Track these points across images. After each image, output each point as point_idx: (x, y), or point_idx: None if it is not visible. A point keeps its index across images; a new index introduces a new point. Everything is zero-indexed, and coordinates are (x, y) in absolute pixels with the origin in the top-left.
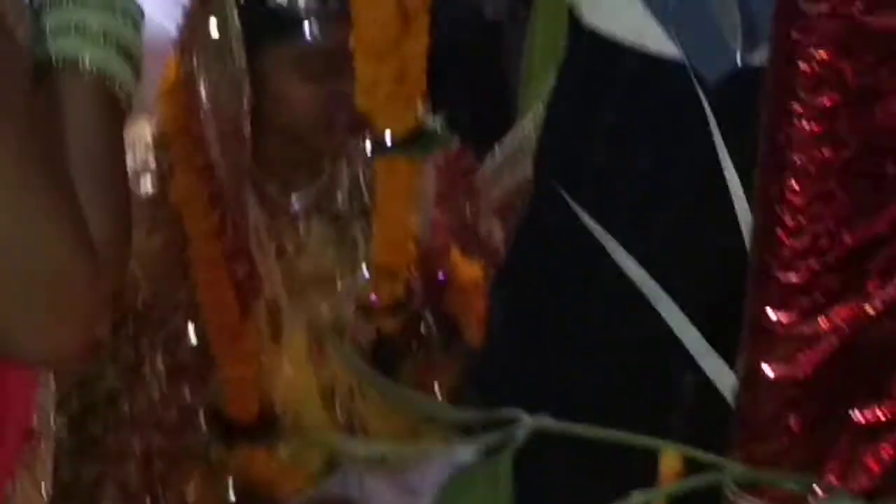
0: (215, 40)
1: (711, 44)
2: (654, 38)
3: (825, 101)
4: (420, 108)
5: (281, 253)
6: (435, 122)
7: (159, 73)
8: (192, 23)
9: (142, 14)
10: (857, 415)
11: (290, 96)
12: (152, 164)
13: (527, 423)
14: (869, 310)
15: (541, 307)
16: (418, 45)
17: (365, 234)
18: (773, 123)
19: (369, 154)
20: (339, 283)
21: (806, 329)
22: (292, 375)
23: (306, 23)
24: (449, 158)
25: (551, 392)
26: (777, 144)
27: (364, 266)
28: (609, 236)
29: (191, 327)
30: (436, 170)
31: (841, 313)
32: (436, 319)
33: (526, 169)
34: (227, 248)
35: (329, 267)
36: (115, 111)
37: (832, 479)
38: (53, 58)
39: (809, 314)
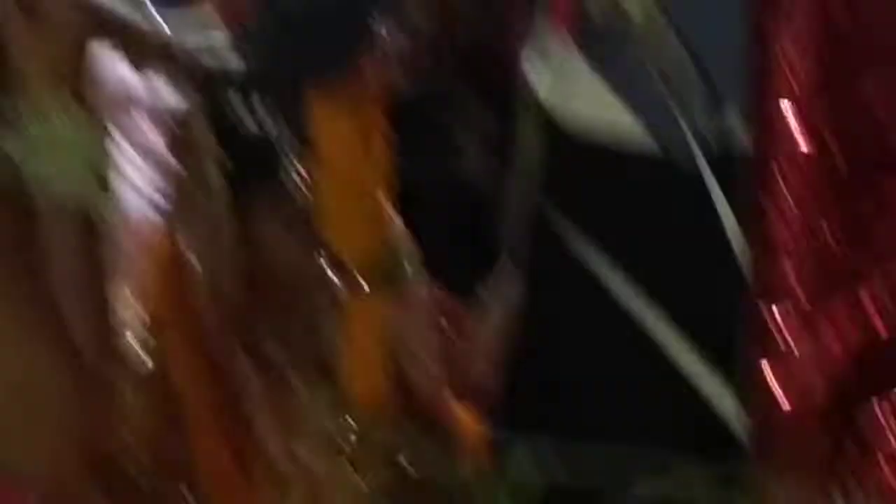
0: (203, 210)
1: (680, 131)
2: (630, 135)
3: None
4: (383, 237)
5: (277, 414)
6: (403, 254)
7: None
8: (178, 192)
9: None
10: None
11: (276, 243)
12: (148, 344)
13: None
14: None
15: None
16: (378, 166)
17: None
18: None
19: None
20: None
21: (806, 331)
22: None
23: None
24: (444, 308)
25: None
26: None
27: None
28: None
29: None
30: (428, 323)
31: (837, 316)
32: None
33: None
34: (227, 419)
35: (328, 432)
36: (96, 237)
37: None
38: (33, 180)
39: (806, 312)
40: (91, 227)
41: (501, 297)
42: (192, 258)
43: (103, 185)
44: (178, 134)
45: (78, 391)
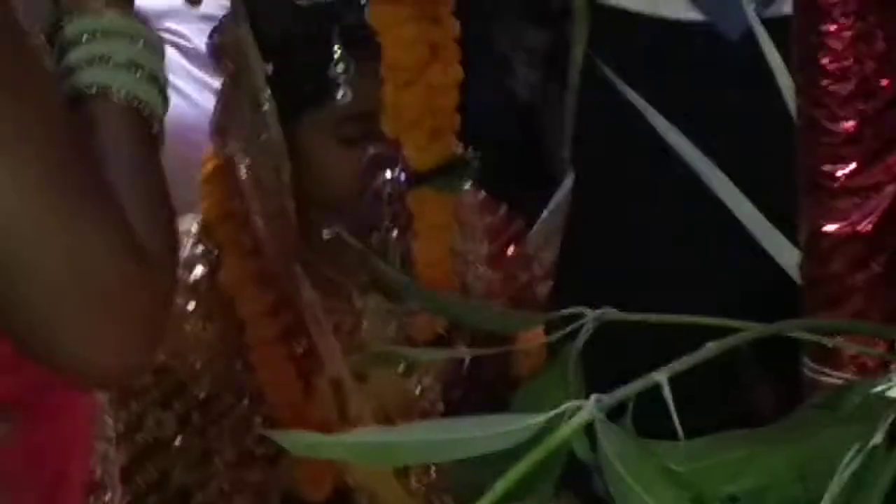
0: (250, 119)
1: (729, 3)
2: (669, 5)
3: None
4: (450, 141)
5: (339, 329)
6: (468, 157)
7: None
8: (226, 105)
9: (163, 44)
10: None
11: (329, 164)
12: (200, 253)
13: (590, 316)
14: None
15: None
16: (446, 76)
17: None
18: None
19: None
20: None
21: (863, 180)
22: None
23: (339, 88)
24: (497, 222)
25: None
26: None
27: None
28: (660, 117)
29: (257, 412)
30: (485, 233)
31: (894, 159)
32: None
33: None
34: (283, 328)
35: (390, 341)
36: (148, 135)
37: None
38: (82, 88)
39: (865, 164)
40: (146, 124)
41: (556, 210)
42: (243, 169)
43: (156, 85)
44: (226, 43)
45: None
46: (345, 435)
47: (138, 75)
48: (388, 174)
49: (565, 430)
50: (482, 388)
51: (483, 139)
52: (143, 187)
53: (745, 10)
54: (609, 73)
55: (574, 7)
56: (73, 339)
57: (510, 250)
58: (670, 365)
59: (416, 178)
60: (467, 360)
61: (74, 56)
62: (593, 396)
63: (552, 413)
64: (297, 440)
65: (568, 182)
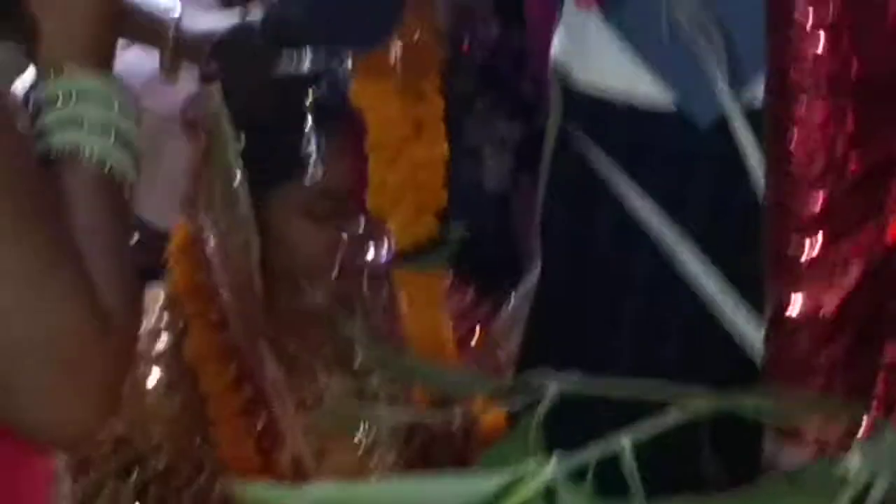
0: (221, 193)
1: (701, 89)
2: (646, 90)
3: (828, 10)
4: (433, 219)
5: (302, 406)
6: (451, 235)
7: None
8: (197, 177)
9: (139, 107)
10: (891, 350)
11: (298, 240)
12: (166, 324)
13: (553, 385)
14: (892, 230)
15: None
16: (431, 152)
17: (385, 388)
18: (776, 45)
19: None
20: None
21: (828, 260)
22: None
23: (310, 165)
24: (464, 305)
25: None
26: (782, 68)
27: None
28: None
29: (215, 486)
30: (452, 315)
31: (864, 237)
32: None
33: None
34: (245, 402)
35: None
36: (118, 198)
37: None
38: (54, 151)
39: (832, 241)
40: (116, 189)
41: (523, 298)
42: (212, 242)
43: (128, 149)
44: (199, 116)
45: (106, 355)
46: (308, 487)
47: (112, 139)
48: (371, 254)
49: (527, 489)
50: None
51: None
52: (108, 250)
53: (717, 94)
54: (582, 140)
55: (549, 98)
56: (31, 399)
57: (476, 335)
58: (634, 429)
59: (400, 257)
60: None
61: (48, 118)
62: (555, 457)
63: (515, 473)
64: (260, 492)
65: (536, 270)
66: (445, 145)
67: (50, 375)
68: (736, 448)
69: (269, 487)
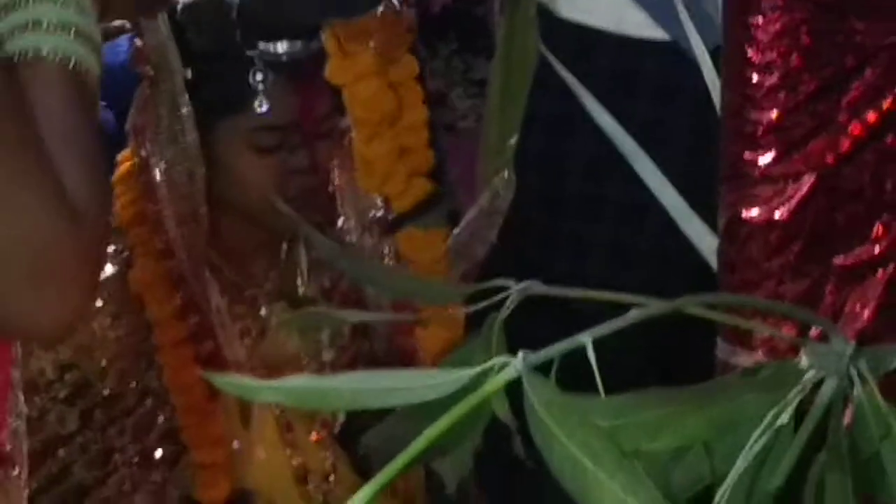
0: (168, 122)
1: (696, 21)
2: (634, 24)
3: None
4: (425, 180)
5: (245, 335)
6: (445, 191)
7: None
8: (143, 106)
9: (92, 5)
10: (839, 259)
11: (244, 172)
12: (111, 253)
13: (515, 289)
14: (843, 143)
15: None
16: (413, 116)
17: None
18: None
19: (387, 229)
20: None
21: (782, 169)
22: (264, 458)
23: (258, 98)
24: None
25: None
26: None
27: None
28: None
29: (160, 413)
30: None
31: (815, 149)
32: None
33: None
34: (190, 330)
35: (292, 351)
36: (85, 94)
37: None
38: (17, 54)
39: (785, 153)
40: (81, 83)
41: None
42: (158, 172)
43: (89, 43)
44: (147, 46)
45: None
46: (280, 380)
47: (71, 35)
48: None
49: (492, 383)
50: None
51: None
52: (76, 146)
53: (712, 27)
54: (561, 68)
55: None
56: (6, 295)
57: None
58: (594, 328)
59: (400, 220)
60: None
61: (6, 23)
62: (520, 353)
63: (481, 367)
64: (233, 383)
65: (483, 199)
66: (425, 106)
67: (23, 273)
68: (690, 353)
69: (242, 380)
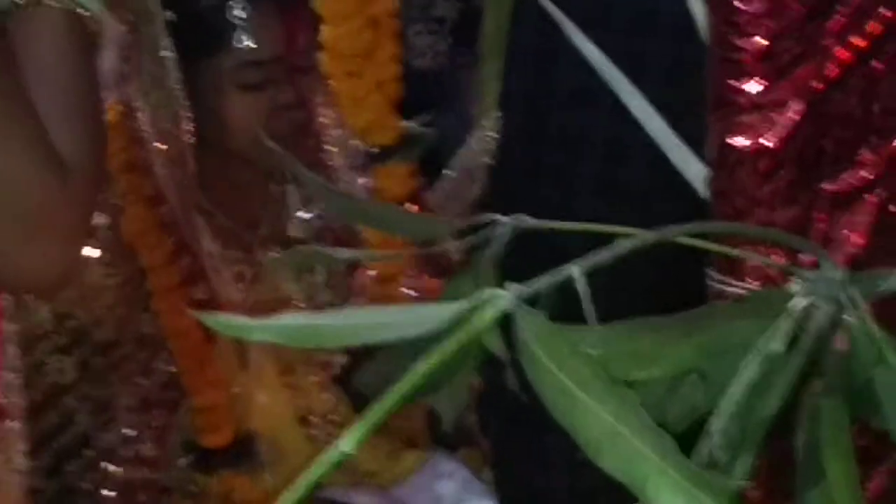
0: (150, 67)
1: None
2: None
3: None
4: (396, 118)
5: (239, 280)
6: (417, 128)
7: None
8: (125, 52)
9: None
10: (828, 185)
11: (229, 111)
12: (102, 202)
13: (505, 223)
14: (830, 69)
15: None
16: (389, 50)
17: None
18: None
19: (364, 165)
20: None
21: (770, 96)
22: (266, 401)
23: (238, 33)
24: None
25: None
26: None
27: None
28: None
29: (158, 359)
30: None
31: (802, 75)
32: None
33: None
34: (184, 275)
35: (288, 293)
36: (84, 39)
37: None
38: (14, 4)
39: (772, 80)
40: (83, 28)
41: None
42: (143, 117)
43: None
44: None
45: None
46: (273, 318)
47: None
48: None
49: (484, 315)
50: None
51: None
52: (68, 98)
53: None
54: None
55: None
56: (1, 249)
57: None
58: (585, 260)
59: (378, 156)
60: None
61: None
62: (511, 286)
63: (473, 301)
64: (226, 323)
65: (473, 140)
66: (398, 42)
67: (14, 225)
68: (681, 289)
69: (234, 319)
